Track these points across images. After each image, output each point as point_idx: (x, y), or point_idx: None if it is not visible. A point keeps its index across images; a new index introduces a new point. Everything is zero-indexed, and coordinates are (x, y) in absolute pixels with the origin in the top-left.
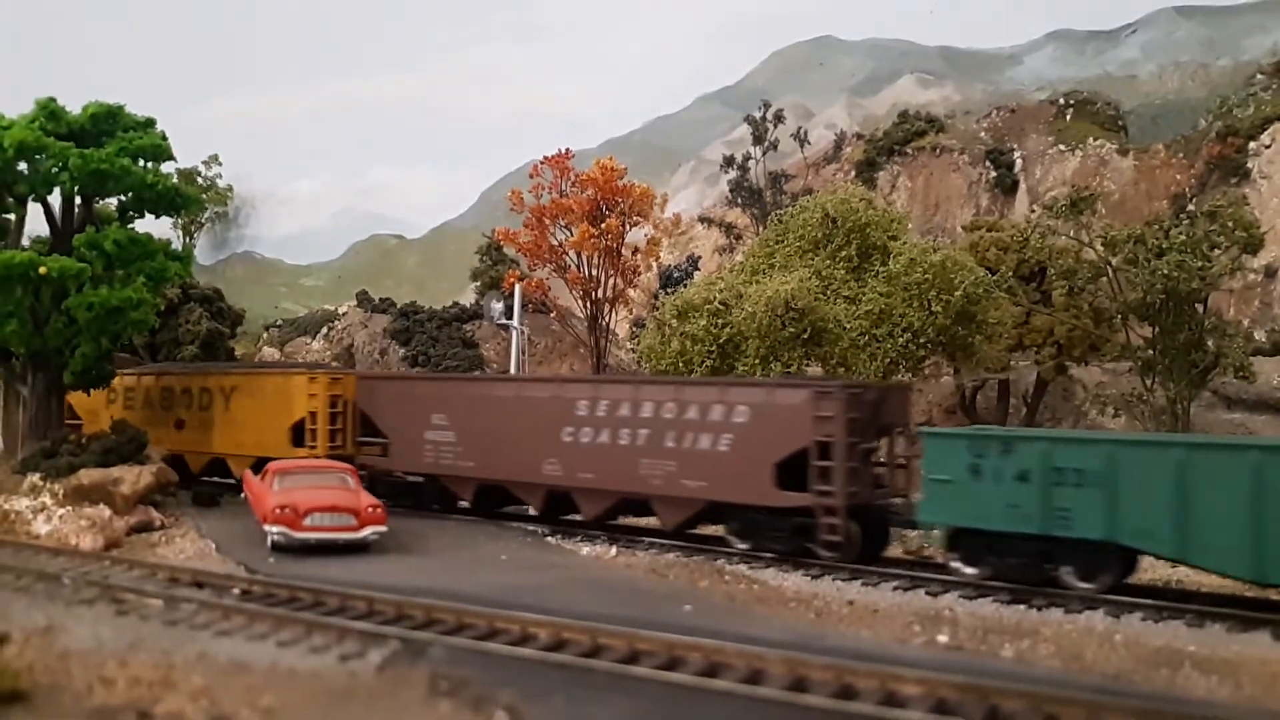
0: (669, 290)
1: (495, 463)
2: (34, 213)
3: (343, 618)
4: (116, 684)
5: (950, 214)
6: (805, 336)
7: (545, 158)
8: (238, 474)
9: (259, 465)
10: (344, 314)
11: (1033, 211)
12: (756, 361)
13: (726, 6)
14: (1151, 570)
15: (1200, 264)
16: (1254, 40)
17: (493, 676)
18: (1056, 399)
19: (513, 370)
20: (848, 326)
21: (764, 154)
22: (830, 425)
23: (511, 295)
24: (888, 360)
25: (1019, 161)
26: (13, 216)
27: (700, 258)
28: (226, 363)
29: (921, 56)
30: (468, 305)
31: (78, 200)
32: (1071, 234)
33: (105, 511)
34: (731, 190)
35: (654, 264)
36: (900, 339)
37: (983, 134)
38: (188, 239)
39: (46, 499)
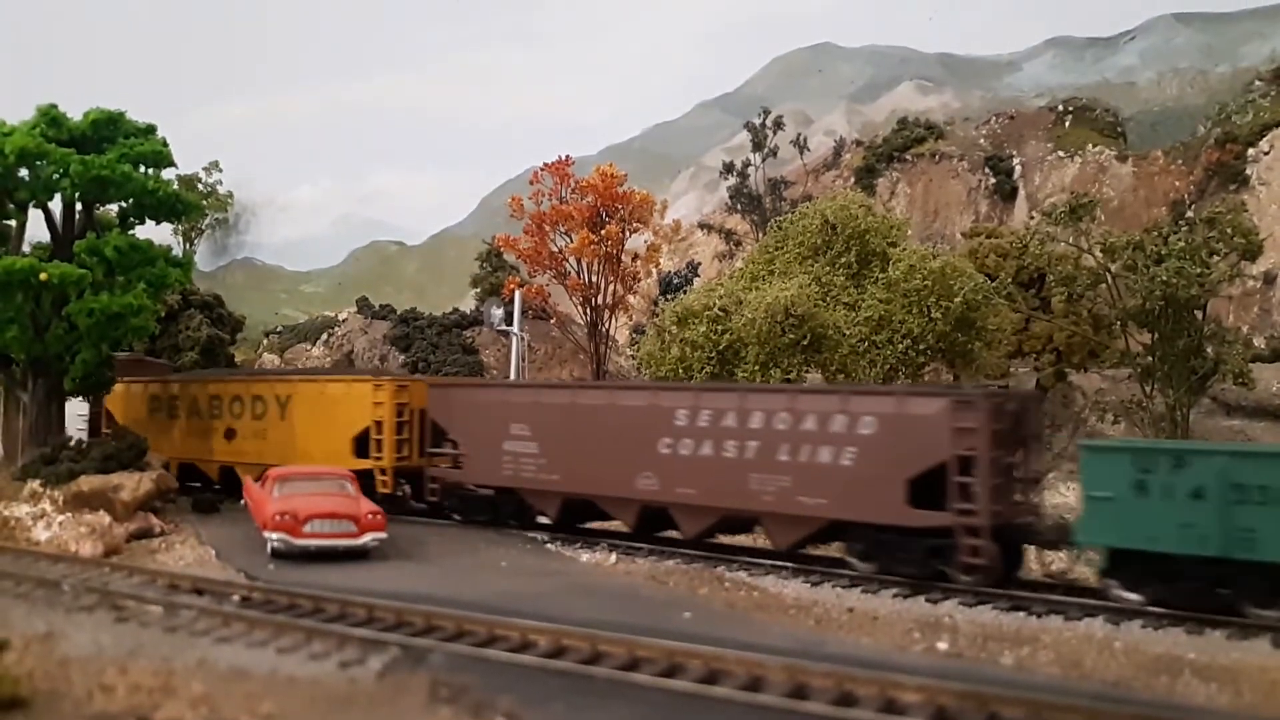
0: (669, 297)
1: (583, 476)
2: (35, 219)
3: (343, 624)
4: (116, 691)
5: (949, 220)
6: (805, 343)
7: (545, 164)
8: None
9: None
10: (344, 320)
11: (1032, 218)
12: (756, 368)
13: (726, 14)
14: None
15: (1199, 270)
16: (1252, 47)
17: (493, 683)
18: (1056, 405)
19: (512, 376)
20: (847, 333)
21: (763, 160)
22: (973, 438)
23: (511, 301)
24: (887, 367)
25: (1018, 168)
26: (14, 223)
27: (700, 264)
28: (284, 369)
29: (921, 63)
30: (468, 311)
31: (78, 206)
32: (1071, 240)
33: (105, 518)
34: (731, 197)
35: (654, 270)
36: (900, 345)
37: (982, 140)
38: (188, 245)
39: (46, 505)
